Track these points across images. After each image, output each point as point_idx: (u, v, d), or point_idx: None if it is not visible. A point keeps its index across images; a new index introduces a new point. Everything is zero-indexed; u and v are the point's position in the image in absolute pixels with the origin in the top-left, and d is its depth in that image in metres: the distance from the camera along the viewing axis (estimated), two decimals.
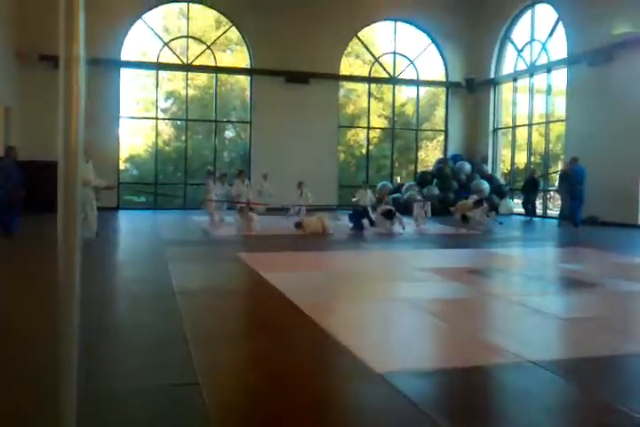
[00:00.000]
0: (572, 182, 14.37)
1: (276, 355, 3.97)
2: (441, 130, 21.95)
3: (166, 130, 23.12)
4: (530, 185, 17.09)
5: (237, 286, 6.79)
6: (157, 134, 19.97)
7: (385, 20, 20.47)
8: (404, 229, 12.51)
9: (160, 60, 19.02)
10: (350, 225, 12.73)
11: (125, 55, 18.36)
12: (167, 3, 18.83)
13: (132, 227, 13.60)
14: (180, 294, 5.75)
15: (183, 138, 20.22)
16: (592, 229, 14.33)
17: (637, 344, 4.35)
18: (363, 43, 20.78)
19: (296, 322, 4.85)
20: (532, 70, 18.72)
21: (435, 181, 18.73)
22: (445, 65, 21.01)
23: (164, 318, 4.90)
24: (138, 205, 19.55)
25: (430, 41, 20.72)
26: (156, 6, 18.49)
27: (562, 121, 17.58)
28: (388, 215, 12.22)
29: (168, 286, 6.17)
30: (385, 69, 20.95)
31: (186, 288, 6.09)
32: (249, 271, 7.37)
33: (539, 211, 18.32)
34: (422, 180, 19.15)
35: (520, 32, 19.42)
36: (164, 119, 23.11)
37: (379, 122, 23.47)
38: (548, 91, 18.27)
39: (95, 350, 4.00)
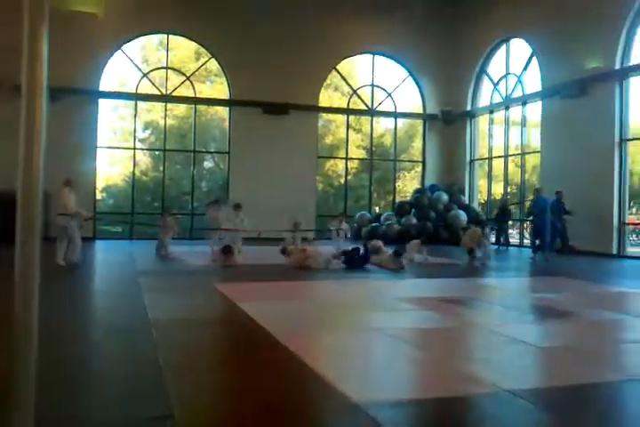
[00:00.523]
0: (535, 213, 14.45)
1: (252, 387, 3.88)
2: (418, 161, 22.17)
3: (144, 160, 23.08)
4: (501, 214, 17.21)
5: (213, 316, 6.67)
6: (135, 164, 19.90)
7: (363, 53, 20.82)
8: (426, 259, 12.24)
9: (139, 91, 19.07)
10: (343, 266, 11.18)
11: (104, 86, 18.38)
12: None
13: (107, 257, 13.41)
14: (154, 324, 5.64)
15: (161, 168, 20.16)
16: (568, 258, 14.43)
17: (612, 372, 4.33)
18: (341, 75, 21.08)
19: (273, 353, 4.77)
20: (507, 103, 19.08)
21: (413, 210, 18.83)
22: (423, 97, 21.35)
23: (138, 349, 4.80)
24: (114, 235, 19.34)
25: (407, 74, 21.08)
26: None
27: (537, 152, 17.87)
28: (397, 254, 11.18)
29: (143, 316, 6.06)
30: (363, 101, 21.22)
31: (161, 319, 5.96)
32: (225, 302, 7.26)
33: (515, 240, 18.46)
34: (400, 210, 19.25)
35: (496, 66, 19.87)
36: (141, 149, 23.09)
37: (357, 153, 23.68)
38: (524, 123, 18.62)
39: (68, 381, 3.92)
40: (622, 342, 5.61)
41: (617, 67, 14.76)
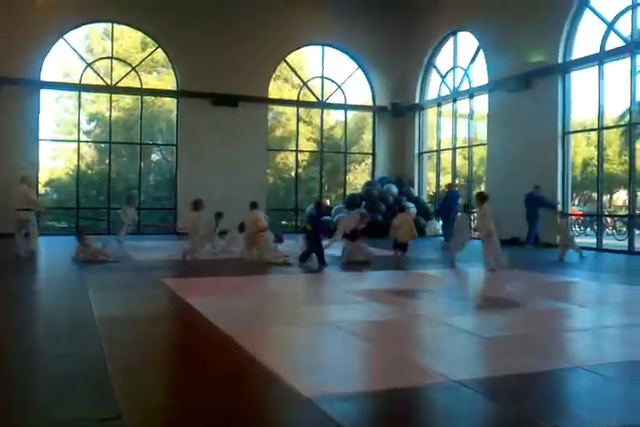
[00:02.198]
0: (442, 209, 15.96)
1: (200, 383, 3.83)
2: (369, 153, 22.29)
3: (89, 153, 22.56)
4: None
5: (161, 312, 6.55)
6: (79, 157, 19.34)
7: (312, 44, 20.75)
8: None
9: (83, 82, 18.52)
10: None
11: (46, 76, 17.77)
12: None
13: (51, 253, 13.02)
14: (100, 321, 5.51)
15: (107, 161, 19.67)
16: (514, 249, 14.76)
17: (556, 360, 4.44)
18: (291, 67, 20.97)
19: (222, 348, 4.73)
20: (454, 96, 19.33)
21: (363, 203, 18.93)
22: (372, 90, 21.43)
23: (83, 348, 4.69)
24: (59, 231, 18.81)
25: (357, 66, 21.12)
26: None
27: (484, 145, 18.18)
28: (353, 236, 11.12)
29: (88, 313, 5.92)
30: (313, 93, 21.18)
31: (106, 316, 5.85)
32: (173, 297, 7.15)
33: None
34: (351, 202, 19.31)
35: (444, 58, 20.10)
36: (86, 142, 22.56)
37: (308, 145, 23.68)
38: (471, 115, 18.90)
39: (11, 381, 3.81)
40: (566, 331, 5.77)
41: (559, 61, 15.12)
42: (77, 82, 18.55)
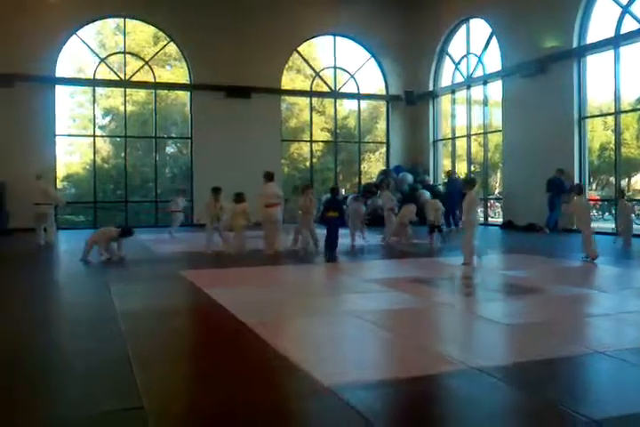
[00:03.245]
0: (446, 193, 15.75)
1: (222, 374, 3.87)
2: (383, 142, 22.21)
3: (105, 147, 22.72)
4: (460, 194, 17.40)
5: (181, 305, 6.62)
6: (95, 152, 19.49)
7: (324, 34, 20.66)
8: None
9: (97, 77, 18.62)
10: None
11: (60, 72, 17.88)
12: None
13: (71, 247, 13.15)
14: (122, 315, 5.57)
15: (122, 155, 19.79)
16: (533, 235, 14.71)
17: (577, 346, 4.44)
18: (303, 57, 20.90)
19: (242, 339, 4.77)
20: (468, 82, 19.19)
21: (378, 192, 18.88)
22: (385, 78, 21.32)
23: (106, 342, 4.72)
24: (78, 224, 18.99)
25: (369, 55, 21.01)
26: None
27: (499, 131, 18.05)
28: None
29: (110, 308, 5.98)
30: (326, 83, 21.11)
31: (128, 310, 5.90)
32: (193, 289, 7.21)
33: (480, 218, 18.63)
34: (366, 191, 19.28)
35: (456, 46, 19.92)
36: (102, 136, 22.71)
37: (321, 135, 23.64)
38: (485, 102, 18.76)
39: (38, 377, 3.87)
40: (586, 317, 5.75)
41: (574, 46, 14.94)
42: (91, 77, 18.67)
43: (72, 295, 7.27)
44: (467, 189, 9.38)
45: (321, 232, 11.16)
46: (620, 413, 3.14)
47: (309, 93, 21.16)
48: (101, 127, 23.33)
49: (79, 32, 17.91)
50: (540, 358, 4.08)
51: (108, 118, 23.76)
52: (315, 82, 21.06)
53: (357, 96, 21.52)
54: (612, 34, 14.31)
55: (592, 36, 14.84)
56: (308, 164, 22.00)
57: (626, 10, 14.00)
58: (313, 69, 21.14)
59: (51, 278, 8.74)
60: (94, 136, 19.53)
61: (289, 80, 21.60)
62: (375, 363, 4.26)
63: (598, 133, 25.01)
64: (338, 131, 22.14)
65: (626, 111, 17.12)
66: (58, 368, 4.13)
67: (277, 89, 19.74)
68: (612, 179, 14.99)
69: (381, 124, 22.76)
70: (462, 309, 5.92)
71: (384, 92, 21.50)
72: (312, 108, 21.57)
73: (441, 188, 19.56)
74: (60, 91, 18.66)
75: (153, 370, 3.96)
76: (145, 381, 3.64)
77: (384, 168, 21.34)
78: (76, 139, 22.29)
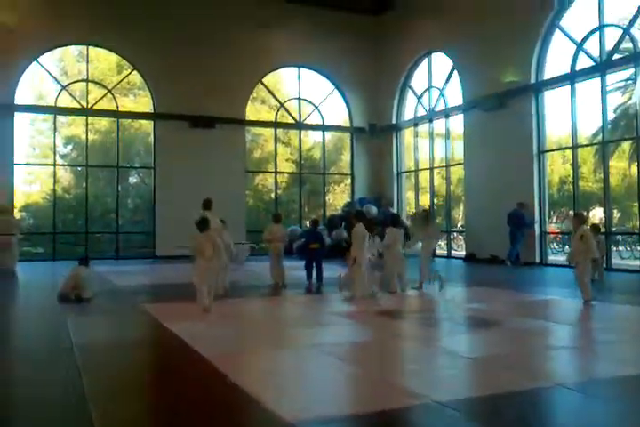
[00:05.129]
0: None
1: (182, 411, 3.75)
2: (347, 174, 22.35)
3: (65, 176, 22.29)
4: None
5: (140, 338, 6.44)
6: (56, 181, 19.11)
7: (288, 66, 20.88)
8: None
9: (58, 104, 18.39)
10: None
11: (20, 99, 17.62)
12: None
13: (28, 279, 12.77)
14: (78, 348, 5.41)
15: (84, 185, 19.45)
16: (495, 268, 14.83)
17: (538, 379, 4.42)
18: (267, 88, 21.04)
19: (203, 374, 4.65)
20: (431, 116, 19.52)
21: (343, 224, 18.92)
22: (349, 110, 21.57)
23: (61, 375, 4.60)
24: (35, 257, 18.47)
25: (334, 87, 21.27)
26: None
27: (460, 164, 18.32)
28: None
29: (66, 340, 5.82)
30: (290, 115, 21.25)
31: (85, 343, 5.76)
32: (153, 323, 7.04)
33: (443, 251, 18.80)
34: (331, 223, 19.31)
35: (419, 79, 20.33)
36: (62, 165, 22.32)
37: (286, 166, 23.68)
38: (447, 135, 19.07)
39: None
40: (546, 349, 5.74)
41: (532, 81, 15.37)
42: (53, 104, 18.43)
43: (29, 327, 7.01)
44: (355, 222, 9.14)
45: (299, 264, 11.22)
46: None
47: (274, 124, 21.26)
48: (62, 156, 22.97)
49: (40, 58, 17.74)
50: (500, 391, 4.07)
51: (69, 147, 23.42)
52: (279, 113, 21.19)
53: (322, 127, 21.69)
54: (568, 70, 14.77)
55: (549, 72, 15.30)
56: (272, 195, 21.95)
57: (580, 47, 14.49)
58: (277, 100, 21.29)
59: (6, 310, 8.42)
60: (55, 165, 19.18)
61: (254, 111, 21.68)
62: (338, 397, 4.17)
63: (557, 167, 25.61)
64: (303, 162, 22.22)
65: (583, 146, 17.59)
66: (11, 401, 4.03)
67: (242, 120, 19.78)
68: (572, 212, 15.26)
69: (346, 156, 22.94)
70: (425, 342, 5.86)
71: (348, 124, 21.73)
72: (277, 139, 21.66)
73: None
74: (20, 118, 18.34)
75: (109, 405, 3.85)
76: (101, 416, 3.52)
77: (349, 200, 21.43)
78: (36, 168, 21.90)
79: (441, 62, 19.03)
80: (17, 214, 18.09)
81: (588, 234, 8.44)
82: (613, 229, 15.51)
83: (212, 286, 7.78)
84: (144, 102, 20.02)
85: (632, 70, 14.24)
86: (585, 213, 8.99)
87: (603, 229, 14.33)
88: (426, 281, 10.09)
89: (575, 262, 8.48)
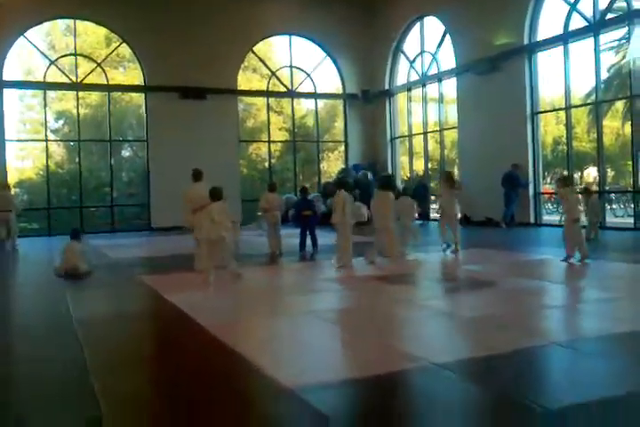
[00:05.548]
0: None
1: (183, 380, 3.83)
2: (341, 141, 22.26)
3: (58, 151, 22.17)
4: (420, 191, 17.43)
5: (140, 310, 6.51)
6: (48, 156, 19.00)
7: (279, 34, 20.59)
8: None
9: (47, 79, 18.17)
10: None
11: (8, 75, 17.39)
12: None
13: (25, 255, 12.84)
14: (78, 322, 5.46)
15: (77, 159, 19.36)
16: (490, 230, 14.94)
17: (532, 338, 4.50)
18: (259, 57, 20.79)
19: (203, 343, 4.71)
20: (424, 80, 19.36)
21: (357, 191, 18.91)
22: (342, 77, 21.36)
23: (62, 350, 4.63)
24: (30, 232, 18.48)
25: (325, 54, 21.02)
26: None
27: (454, 128, 18.27)
28: None
29: (66, 315, 5.86)
30: (282, 83, 21.04)
31: (85, 316, 5.79)
32: (152, 294, 7.11)
33: (437, 215, 18.82)
34: (326, 190, 19.31)
35: (411, 44, 20.09)
36: (54, 140, 22.17)
37: (280, 135, 23.56)
38: (441, 100, 18.95)
39: None
40: (541, 309, 5.85)
41: (525, 42, 15.21)
42: (41, 80, 18.21)
43: (27, 302, 7.08)
44: (335, 189, 9.22)
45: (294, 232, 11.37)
46: (574, 401, 3.20)
47: (266, 93, 21.07)
48: (54, 131, 22.80)
49: (27, 33, 17.45)
50: (496, 351, 4.13)
51: (60, 122, 23.23)
52: (271, 82, 20.98)
53: (314, 95, 21.52)
54: (561, 31, 14.62)
55: (542, 33, 15.14)
56: (266, 164, 21.90)
57: (573, 7, 14.31)
58: (269, 69, 21.05)
59: (5, 286, 8.50)
60: (46, 140, 19.04)
61: (245, 80, 21.46)
62: (336, 363, 4.25)
63: (551, 128, 25.56)
64: (296, 130, 22.10)
65: (576, 106, 17.50)
66: (11, 378, 4.03)
67: (233, 89, 19.59)
68: (566, 172, 15.30)
69: (339, 123, 22.81)
70: (421, 304, 5.95)
71: (341, 91, 21.56)
72: (269, 109, 21.50)
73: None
74: (9, 94, 18.13)
75: (111, 378, 3.89)
76: (103, 389, 3.56)
77: (343, 166, 21.40)
78: (28, 144, 21.76)
79: (433, 26, 18.78)
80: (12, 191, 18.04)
81: (567, 195, 8.62)
82: (607, 187, 15.59)
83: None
84: (134, 75, 19.79)
85: (625, 29, 14.08)
86: (569, 176, 8.96)
87: (596, 188, 14.44)
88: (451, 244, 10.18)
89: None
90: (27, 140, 21.64)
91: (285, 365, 4.04)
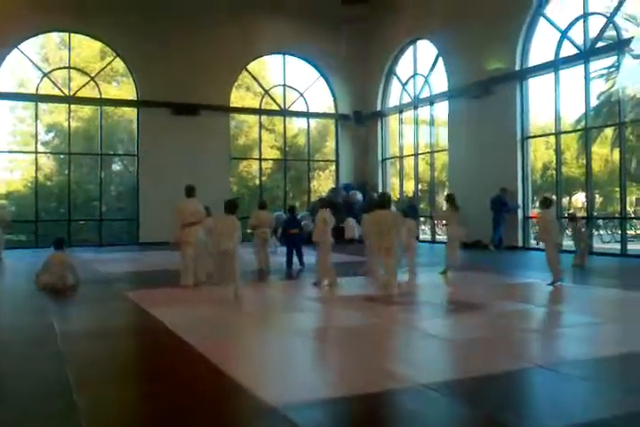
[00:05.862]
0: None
1: (167, 397, 3.78)
2: (332, 160, 22.34)
3: (47, 164, 22.08)
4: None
5: (125, 326, 6.43)
6: (38, 169, 18.91)
7: (273, 53, 20.76)
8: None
9: (40, 92, 18.17)
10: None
11: (1, 86, 17.38)
12: None
13: (10, 267, 12.70)
14: (62, 337, 5.39)
15: (66, 172, 19.27)
16: (479, 252, 14.96)
17: (519, 361, 4.50)
18: (252, 75, 20.92)
19: (187, 360, 4.67)
20: (416, 103, 19.52)
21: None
22: (334, 97, 21.52)
23: (45, 365, 4.56)
24: (17, 244, 18.31)
25: (319, 74, 21.19)
26: None
27: (445, 151, 18.39)
28: None
29: (50, 330, 5.78)
30: (275, 102, 21.16)
31: (69, 331, 5.73)
32: (137, 310, 7.03)
33: (427, 236, 18.91)
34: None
35: (404, 66, 20.30)
36: (44, 153, 22.08)
37: (271, 153, 23.63)
38: (432, 122, 19.11)
39: None
40: (527, 332, 5.84)
41: (517, 68, 15.41)
42: (34, 92, 18.21)
43: (10, 316, 6.98)
44: (319, 208, 9.37)
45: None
46: (559, 424, 3.19)
47: (259, 111, 21.17)
48: (44, 143, 22.73)
49: (21, 46, 17.48)
50: (482, 373, 4.13)
51: (51, 134, 23.17)
52: (264, 100, 21.09)
53: (307, 115, 21.64)
54: (552, 57, 14.83)
55: (534, 59, 15.35)
56: (257, 182, 21.92)
57: (564, 35, 14.55)
58: (262, 87, 21.17)
59: None
60: (36, 153, 18.98)
61: (238, 98, 21.55)
62: (322, 381, 4.20)
63: (540, 153, 25.77)
64: (287, 149, 22.17)
65: (566, 132, 17.74)
66: None
67: (226, 107, 19.67)
68: (555, 197, 15.43)
69: (330, 143, 22.92)
70: (409, 325, 5.92)
71: (333, 111, 21.69)
72: (261, 126, 21.57)
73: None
74: (0, 105, 18.10)
75: (94, 394, 3.84)
76: (85, 407, 3.51)
77: (333, 186, 21.45)
78: (17, 155, 21.68)
79: (426, 50, 19.01)
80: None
81: (545, 218, 8.82)
82: (595, 213, 15.69)
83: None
84: (127, 89, 19.83)
85: (615, 58, 14.32)
86: (548, 198, 9.07)
87: (584, 214, 14.54)
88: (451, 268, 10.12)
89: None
90: (16, 152, 21.57)
91: (270, 383, 4.01)
